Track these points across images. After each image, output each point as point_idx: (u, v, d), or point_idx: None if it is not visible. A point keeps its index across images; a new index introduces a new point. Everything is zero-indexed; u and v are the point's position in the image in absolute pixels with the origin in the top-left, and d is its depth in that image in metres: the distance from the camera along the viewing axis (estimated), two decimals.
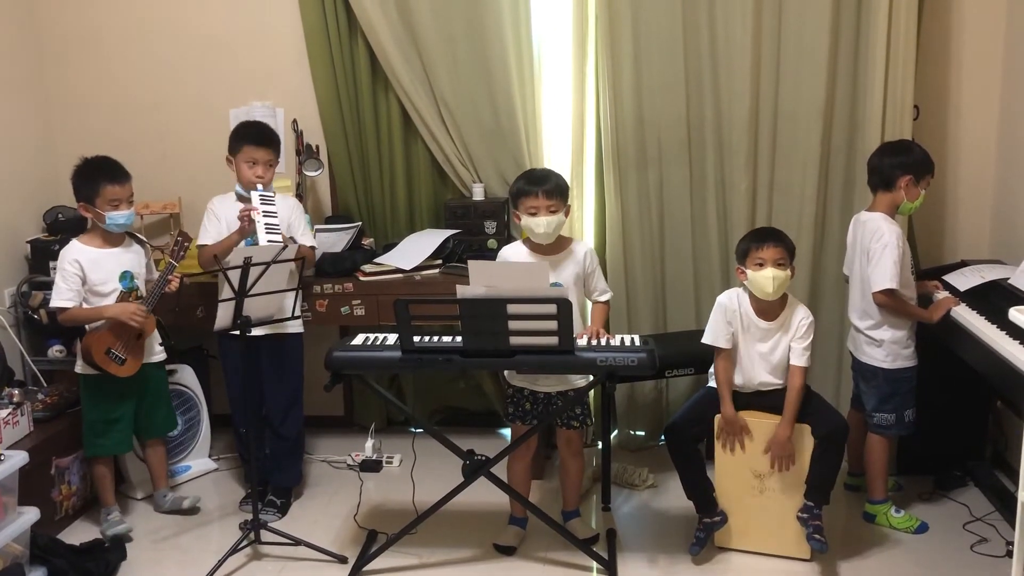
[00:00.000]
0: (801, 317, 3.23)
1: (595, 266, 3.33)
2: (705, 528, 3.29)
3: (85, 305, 3.42)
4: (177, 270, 3.47)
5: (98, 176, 3.40)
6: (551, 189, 3.18)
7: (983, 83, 3.92)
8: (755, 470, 3.24)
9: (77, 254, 3.42)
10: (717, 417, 3.27)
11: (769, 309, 3.23)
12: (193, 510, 3.72)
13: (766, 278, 3.13)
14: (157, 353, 3.63)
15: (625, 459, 4.06)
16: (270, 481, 3.80)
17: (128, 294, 3.47)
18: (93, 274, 3.42)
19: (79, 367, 3.52)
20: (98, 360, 3.39)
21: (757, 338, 3.25)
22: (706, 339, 3.29)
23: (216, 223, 3.60)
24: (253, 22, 4.25)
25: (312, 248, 3.75)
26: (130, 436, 3.63)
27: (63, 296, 3.39)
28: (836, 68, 3.82)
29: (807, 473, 3.18)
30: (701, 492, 3.29)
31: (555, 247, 3.27)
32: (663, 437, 4.24)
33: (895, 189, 3.34)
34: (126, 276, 3.48)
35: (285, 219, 3.58)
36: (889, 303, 3.29)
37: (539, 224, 3.17)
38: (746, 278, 3.20)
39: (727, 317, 3.25)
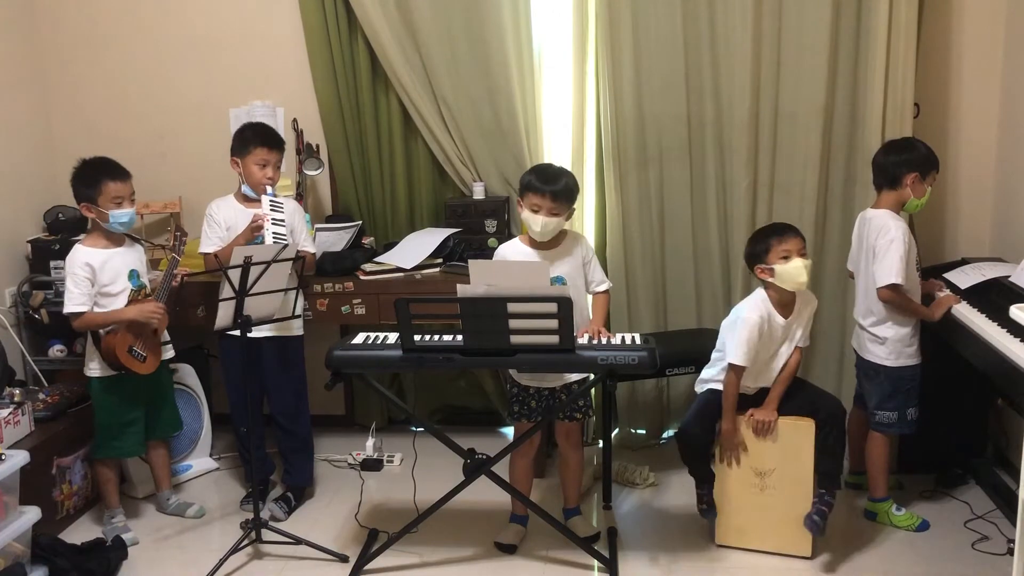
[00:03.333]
0: (810, 302, 3.26)
1: (591, 256, 3.34)
2: (707, 491, 3.31)
3: (97, 308, 3.42)
4: (180, 266, 3.48)
5: (99, 175, 3.39)
6: (559, 192, 3.16)
7: (983, 81, 3.91)
8: (756, 468, 3.24)
9: (86, 257, 3.40)
10: (719, 423, 3.28)
11: (790, 303, 3.22)
12: (197, 518, 3.73)
13: (798, 268, 3.12)
14: (166, 351, 3.64)
15: (626, 457, 4.06)
16: (284, 480, 3.81)
17: (138, 292, 3.48)
18: (103, 275, 3.41)
19: (95, 370, 3.49)
20: (123, 360, 3.39)
21: (779, 339, 3.23)
22: (739, 360, 3.15)
23: (217, 228, 3.59)
24: (253, 22, 4.26)
25: (312, 254, 3.76)
26: (143, 438, 3.63)
27: (76, 301, 3.37)
28: (836, 67, 3.82)
29: (813, 462, 3.18)
30: (707, 474, 3.32)
31: (553, 241, 3.27)
32: (665, 436, 4.26)
33: (901, 187, 3.33)
34: (134, 275, 3.49)
35: (288, 224, 3.58)
36: (894, 299, 3.28)
37: (537, 222, 3.17)
38: (772, 275, 3.16)
39: (761, 330, 3.19)
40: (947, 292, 3.46)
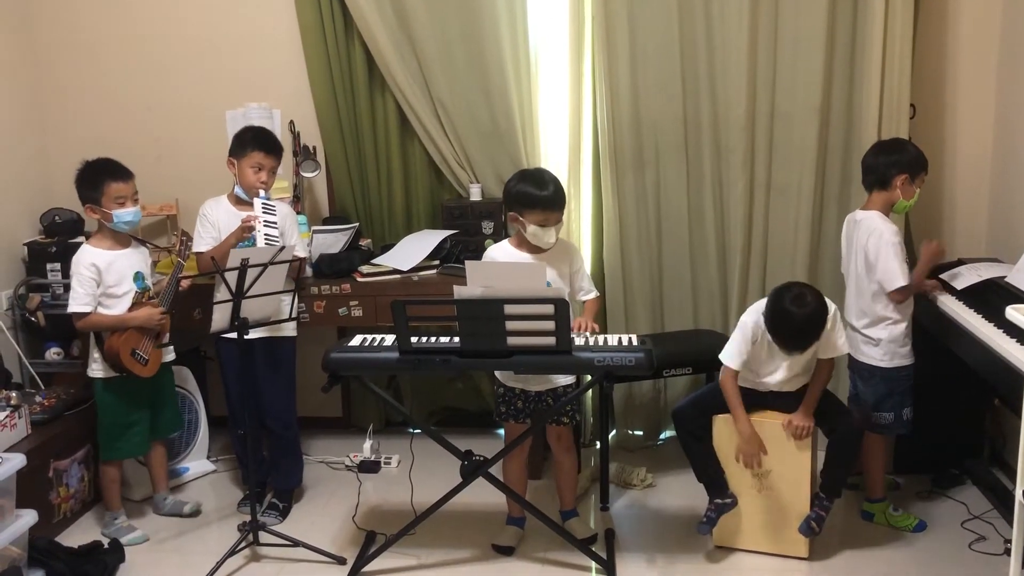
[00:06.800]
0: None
1: (580, 264, 3.34)
2: (716, 509, 3.24)
3: (101, 309, 3.42)
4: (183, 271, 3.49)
5: (102, 175, 3.40)
6: (560, 200, 3.16)
7: (979, 82, 3.92)
8: (754, 469, 3.24)
9: (93, 258, 3.40)
10: (716, 418, 3.26)
11: None
12: (194, 515, 3.73)
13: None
14: (168, 353, 3.64)
15: (623, 459, 4.06)
16: (270, 483, 3.80)
17: (142, 294, 3.48)
18: (108, 276, 3.41)
19: (98, 371, 3.49)
20: (125, 362, 3.39)
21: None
22: (724, 356, 3.21)
23: (211, 229, 3.59)
24: (249, 24, 4.25)
25: (304, 259, 3.75)
26: (146, 439, 3.63)
27: (81, 301, 3.37)
28: (832, 67, 3.82)
29: (821, 466, 3.19)
30: (712, 473, 3.26)
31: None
32: (662, 437, 4.27)
33: (891, 188, 3.35)
34: (139, 277, 3.49)
35: (280, 227, 3.58)
36: (905, 298, 3.31)
37: (550, 235, 3.16)
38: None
39: (753, 336, 3.17)
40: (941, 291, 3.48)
